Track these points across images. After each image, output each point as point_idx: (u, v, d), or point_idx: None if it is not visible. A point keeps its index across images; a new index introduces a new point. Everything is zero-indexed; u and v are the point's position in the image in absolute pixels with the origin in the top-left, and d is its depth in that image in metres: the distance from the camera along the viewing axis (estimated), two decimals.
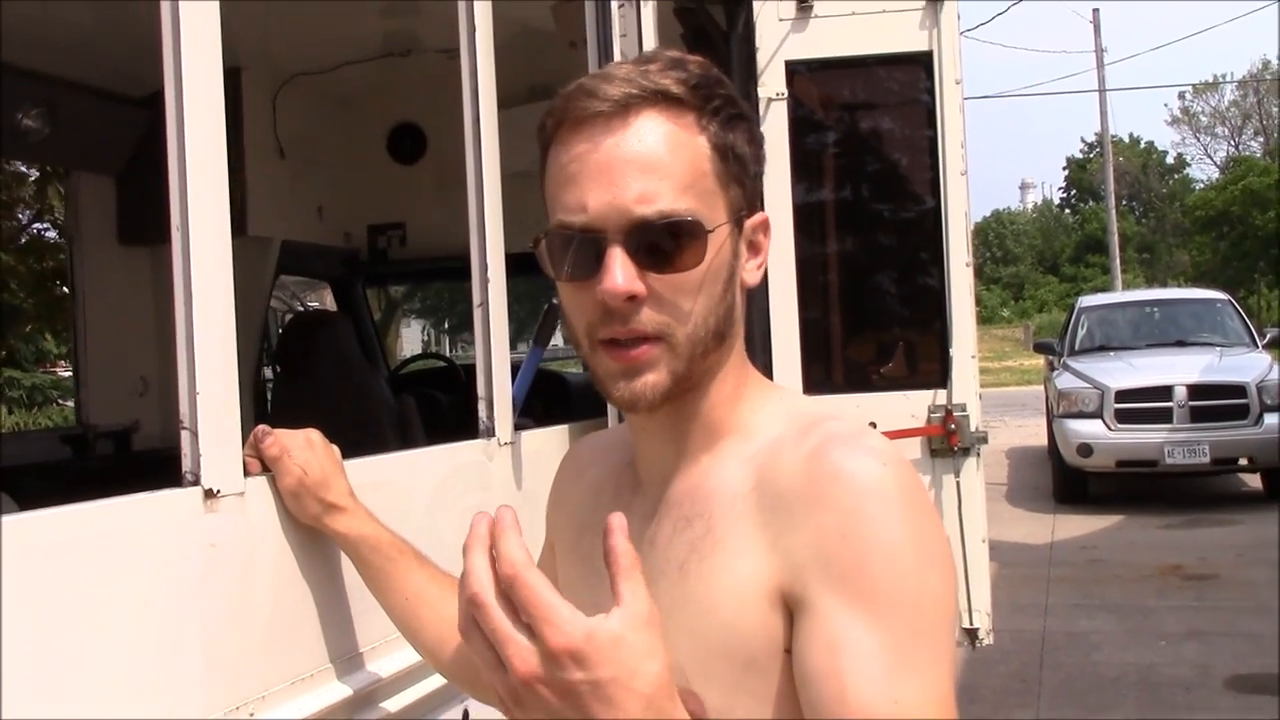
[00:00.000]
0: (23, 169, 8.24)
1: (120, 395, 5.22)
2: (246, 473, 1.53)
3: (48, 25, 4.41)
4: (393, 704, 1.77)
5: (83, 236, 5.12)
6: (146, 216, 5.10)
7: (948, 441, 3.92)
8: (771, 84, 3.91)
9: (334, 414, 4.85)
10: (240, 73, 4.90)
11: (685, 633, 1.14)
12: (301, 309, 7.22)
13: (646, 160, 1.14)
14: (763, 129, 3.98)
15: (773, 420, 1.22)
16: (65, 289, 7.64)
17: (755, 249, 1.24)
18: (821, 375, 4.19)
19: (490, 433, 2.16)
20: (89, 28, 4.48)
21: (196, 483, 1.40)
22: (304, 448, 1.58)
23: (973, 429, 3.93)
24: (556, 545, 1.42)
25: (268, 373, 5.86)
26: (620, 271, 1.13)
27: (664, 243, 1.14)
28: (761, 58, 3.92)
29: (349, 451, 1.67)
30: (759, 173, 1.23)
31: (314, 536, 1.59)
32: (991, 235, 63.11)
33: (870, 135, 4.29)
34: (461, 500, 2.04)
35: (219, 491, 1.42)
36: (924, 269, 4.15)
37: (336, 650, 1.65)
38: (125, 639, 1.29)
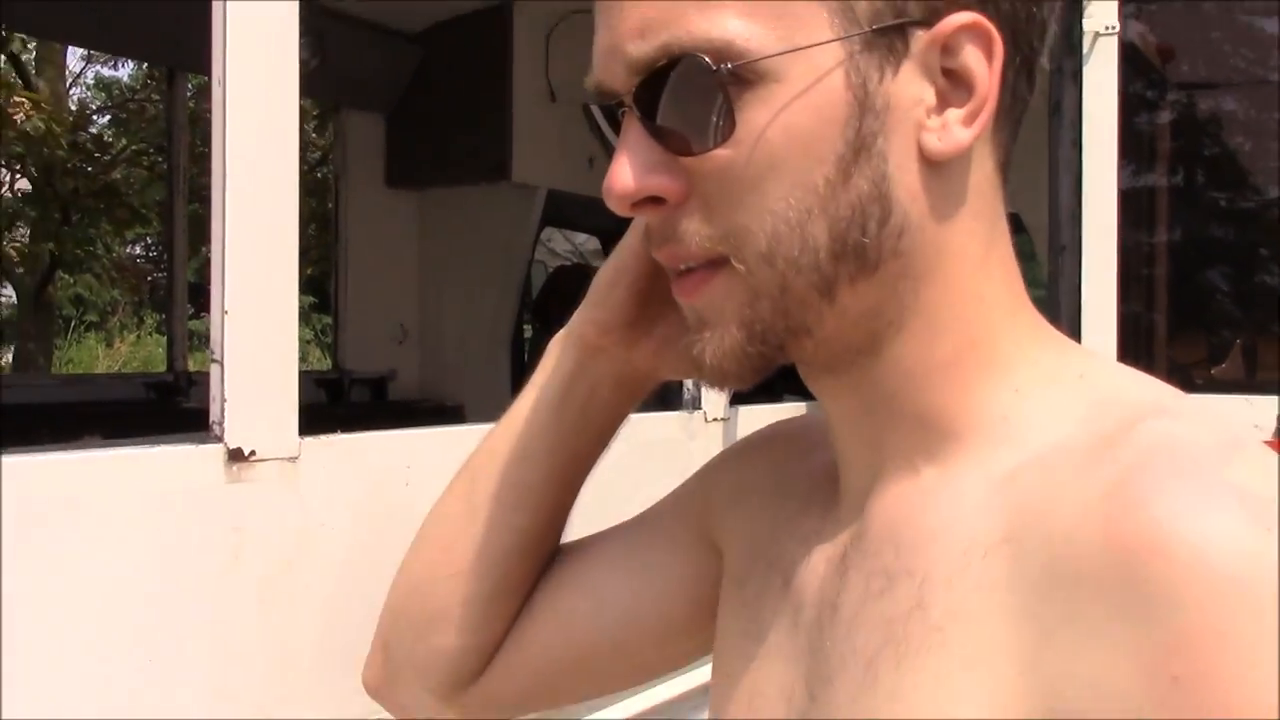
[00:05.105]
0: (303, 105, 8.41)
1: (378, 342, 5.08)
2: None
3: None
4: None
5: (349, 176, 4.98)
6: (416, 158, 4.94)
7: None
8: (1100, 15, 3.25)
9: None
10: (511, 7, 4.63)
11: None
12: (563, 263, 6.96)
13: None
14: (1086, 71, 3.37)
15: (1055, 409, 0.67)
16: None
17: (960, 83, 0.67)
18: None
19: (695, 404, 1.69)
20: None
21: (220, 439, 1.00)
22: None
23: None
24: (726, 560, 0.92)
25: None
26: (628, 159, 0.66)
27: (680, 101, 0.65)
28: None
29: None
30: None
31: (411, 523, 1.17)
32: None
33: (1226, 88, 3.56)
34: (644, 489, 1.58)
35: (253, 454, 1.01)
36: None
37: None
38: (90, 643, 0.91)
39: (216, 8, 1.07)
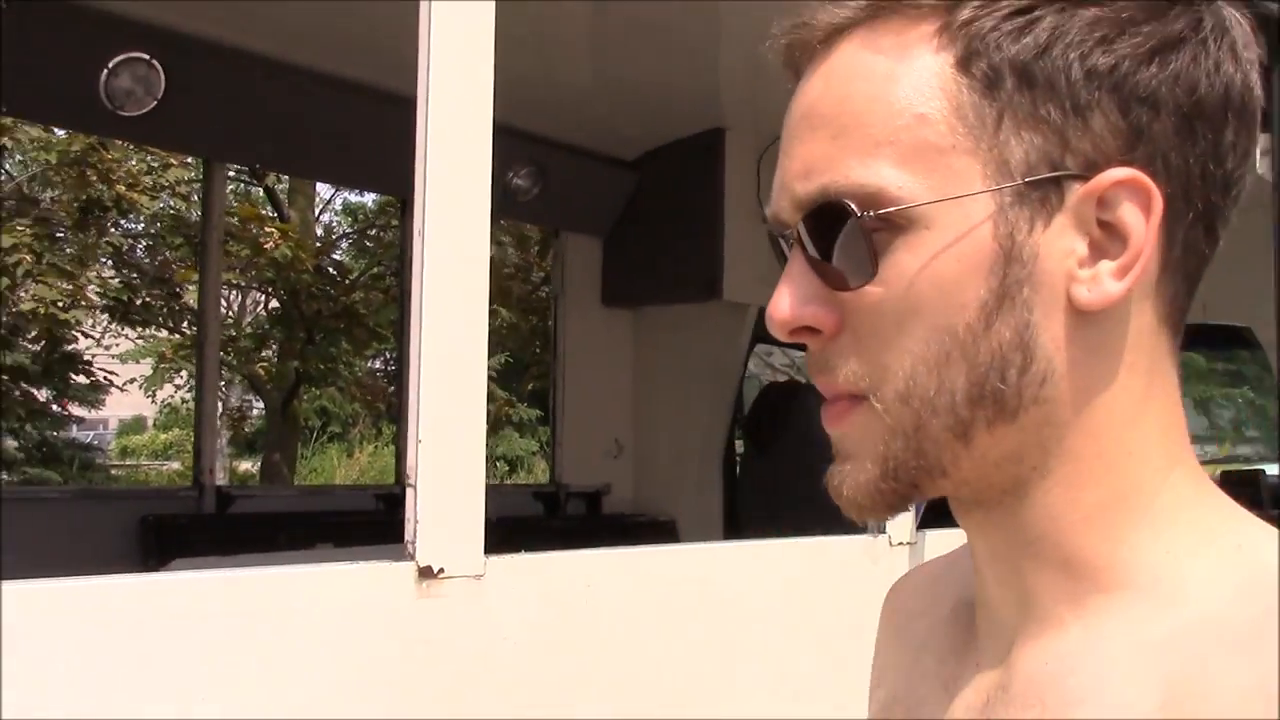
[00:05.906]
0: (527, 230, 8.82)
1: (594, 456, 5.21)
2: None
3: (542, 85, 4.48)
4: None
5: (568, 296, 5.18)
6: (631, 278, 5.11)
7: None
8: None
9: (799, 496, 4.53)
10: (724, 133, 4.77)
11: None
12: (776, 380, 6.98)
13: (821, 112, 0.70)
14: None
15: (1208, 578, 0.66)
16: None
17: (1116, 235, 0.68)
18: None
19: (880, 528, 1.70)
20: (582, 88, 4.51)
21: (411, 557, 1.08)
22: None
23: None
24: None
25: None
26: (788, 289, 0.71)
27: (836, 239, 0.69)
28: None
29: None
30: (1151, 102, 0.67)
31: (588, 640, 1.23)
32: None
33: None
34: (824, 615, 1.60)
35: (441, 571, 1.09)
36: None
37: None
38: None
39: (419, 141, 1.17)
